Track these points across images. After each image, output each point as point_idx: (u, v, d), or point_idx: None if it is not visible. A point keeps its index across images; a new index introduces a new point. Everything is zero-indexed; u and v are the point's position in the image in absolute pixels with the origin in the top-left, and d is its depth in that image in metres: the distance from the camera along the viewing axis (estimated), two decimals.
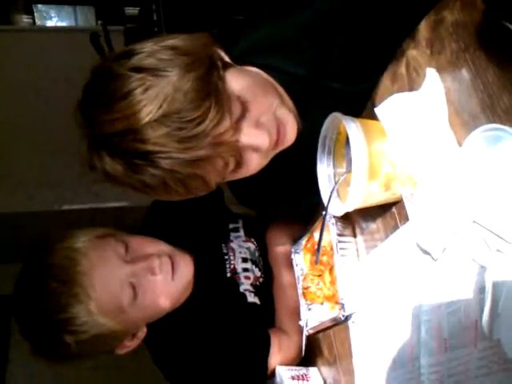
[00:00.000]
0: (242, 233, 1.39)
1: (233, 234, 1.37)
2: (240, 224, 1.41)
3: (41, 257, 1.07)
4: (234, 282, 1.28)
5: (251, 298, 1.26)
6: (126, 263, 1.08)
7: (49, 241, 1.09)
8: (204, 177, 0.84)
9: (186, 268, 1.16)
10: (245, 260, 1.32)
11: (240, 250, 1.33)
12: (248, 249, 1.35)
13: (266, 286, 1.32)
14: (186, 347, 1.18)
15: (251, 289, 1.28)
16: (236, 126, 0.84)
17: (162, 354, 1.20)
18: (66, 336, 1.03)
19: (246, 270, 1.31)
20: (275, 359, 1.19)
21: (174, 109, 0.77)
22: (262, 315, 1.26)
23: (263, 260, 1.36)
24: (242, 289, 1.27)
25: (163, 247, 1.16)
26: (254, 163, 0.92)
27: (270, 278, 1.33)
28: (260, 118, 0.88)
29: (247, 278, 1.30)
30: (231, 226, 1.40)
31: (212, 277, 1.24)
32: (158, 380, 1.24)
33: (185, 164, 0.80)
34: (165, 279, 1.12)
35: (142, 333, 1.17)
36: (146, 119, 0.77)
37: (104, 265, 1.06)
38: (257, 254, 1.36)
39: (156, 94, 0.77)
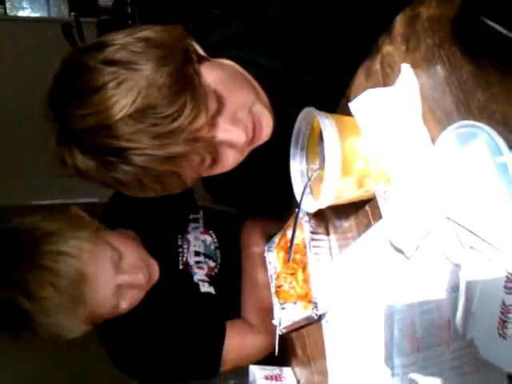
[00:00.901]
0: (200, 223, 1.39)
1: (191, 225, 1.37)
2: (200, 215, 1.40)
3: (38, 248, 1.04)
4: (187, 273, 1.29)
5: (205, 288, 1.27)
6: (117, 274, 1.10)
7: (36, 240, 1.06)
8: (180, 174, 0.82)
9: (156, 274, 1.20)
10: (197, 254, 1.33)
11: (195, 243, 1.34)
12: (204, 241, 1.35)
13: (224, 277, 1.32)
14: (139, 338, 1.19)
15: (206, 278, 1.29)
16: (212, 122, 0.82)
17: (114, 344, 1.21)
18: (43, 333, 1.05)
19: (198, 262, 1.32)
20: (237, 352, 1.20)
21: (149, 104, 0.74)
22: (217, 305, 1.27)
23: (222, 253, 1.36)
24: (195, 279, 1.29)
25: (143, 254, 1.19)
26: (231, 159, 0.90)
27: (228, 269, 1.33)
28: (236, 114, 0.87)
29: (200, 268, 1.31)
30: (191, 216, 1.39)
31: (164, 268, 1.23)
32: None
33: (160, 161, 0.78)
34: (142, 289, 1.17)
35: None
36: (120, 115, 0.74)
37: (101, 277, 1.07)
38: (212, 247, 1.36)
39: (129, 89, 0.74)
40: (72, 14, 2.66)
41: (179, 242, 1.32)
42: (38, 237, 1.06)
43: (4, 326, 1.07)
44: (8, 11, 2.96)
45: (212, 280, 1.30)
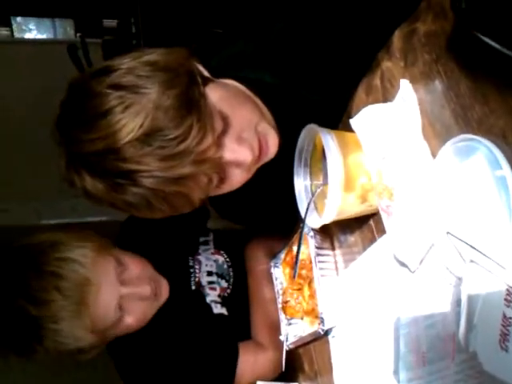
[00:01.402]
0: (211, 246, 1.39)
1: (202, 247, 1.37)
2: (211, 237, 1.41)
3: (42, 258, 1.06)
4: (200, 294, 1.29)
5: (217, 310, 1.27)
6: (121, 284, 1.11)
7: (43, 250, 1.08)
8: (188, 194, 0.82)
9: (165, 292, 1.21)
10: (210, 273, 1.33)
11: (206, 263, 1.34)
12: (215, 261, 1.35)
13: (236, 298, 1.31)
14: (150, 358, 1.19)
15: (218, 299, 1.29)
16: (218, 142, 0.83)
17: (127, 366, 1.21)
18: (48, 342, 1.05)
19: (211, 282, 1.31)
20: (250, 373, 1.19)
21: (156, 127, 0.75)
22: (230, 326, 1.26)
23: (234, 271, 1.36)
24: (208, 300, 1.28)
25: (151, 271, 1.20)
26: (238, 178, 0.91)
27: (240, 289, 1.33)
28: (242, 133, 0.87)
29: (213, 289, 1.30)
30: (202, 239, 1.40)
31: (177, 290, 1.24)
32: None
33: (168, 182, 0.78)
34: (148, 304, 1.17)
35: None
36: (127, 138, 0.75)
37: (106, 286, 1.08)
38: (225, 266, 1.36)
39: (136, 112, 0.75)
40: (78, 35, 2.69)
41: (190, 263, 1.32)
42: (44, 247, 1.08)
43: (14, 338, 1.07)
44: (15, 33, 2.99)
45: (224, 301, 1.29)
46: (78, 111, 0.80)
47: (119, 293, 1.10)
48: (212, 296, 1.29)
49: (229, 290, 1.32)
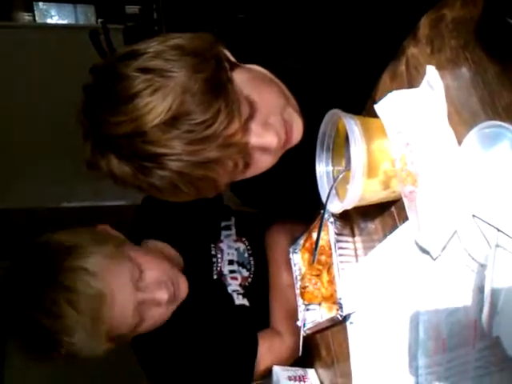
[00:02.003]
0: (233, 231, 1.38)
1: (224, 233, 1.36)
2: (232, 222, 1.40)
3: (56, 267, 1.04)
4: (221, 283, 1.28)
5: (239, 301, 1.26)
6: (138, 290, 1.09)
7: (57, 255, 1.06)
8: (214, 178, 0.83)
9: (183, 290, 1.18)
10: (231, 262, 1.32)
11: (228, 252, 1.33)
12: (237, 250, 1.35)
13: (257, 287, 1.31)
14: (172, 350, 1.18)
15: (240, 290, 1.28)
16: (245, 127, 0.83)
17: (148, 356, 1.20)
18: (63, 350, 1.04)
19: (232, 271, 1.31)
20: (265, 360, 1.19)
21: (183, 111, 0.76)
22: (251, 317, 1.26)
23: (255, 260, 1.35)
24: (230, 290, 1.28)
25: (169, 271, 1.17)
26: (264, 163, 0.91)
27: (260, 277, 1.32)
28: (268, 119, 0.88)
29: (234, 278, 1.30)
30: (223, 223, 1.39)
31: (199, 279, 1.23)
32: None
33: (194, 166, 0.79)
34: (166, 308, 1.15)
35: None
36: (155, 121, 0.75)
37: (121, 295, 1.06)
38: (246, 255, 1.35)
39: (165, 96, 0.75)
40: (99, 20, 2.70)
41: (213, 252, 1.31)
42: (59, 251, 1.06)
43: (30, 344, 1.07)
44: (37, 18, 3.01)
45: (246, 291, 1.29)
46: (105, 94, 0.80)
47: (136, 299, 1.08)
48: (234, 286, 1.28)
49: (250, 279, 1.32)
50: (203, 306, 1.23)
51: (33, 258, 1.09)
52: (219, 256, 1.31)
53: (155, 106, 0.75)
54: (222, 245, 1.33)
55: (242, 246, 1.36)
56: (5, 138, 2.69)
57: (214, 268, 1.29)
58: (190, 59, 0.80)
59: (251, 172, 0.91)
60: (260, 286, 1.31)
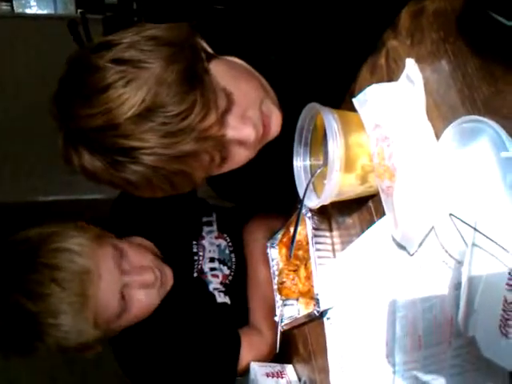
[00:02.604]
0: (214, 227, 1.36)
1: (205, 229, 1.35)
2: (214, 217, 1.38)
3: (37, 251, 1.03)
4: (202, 281, 1.27)
5: (221, 299, 1.26)
6: (123, 274, 1.08)
7: (38, 242, 1.05)
8: (189, 173, 0.80)
9: (169, 279, 1.18)
10: (212, 260, 1.31)
11: (210, 249, 1.31)
12: (218, 246, 1.33)
13: (238, 284, 1.30)
14: (154, 350, 1.16)
15: (221, 288, 1.27)
16: (222, 120, 0.81)
17: (129, 356, 1.18)
18: (49, 338, 1.02)
19: (213, 269, 1.29)
20: (246, 357, 1.18)
21: (158, 102, 0.73)
22: (232, 315, 1.25)
23: (236, 256, 1.34)
24: (211, 288, 1.26)
25: (153, 255, 1.17)
26: (240, 157, 0.89)
27: (242, 274, 1.31)
28: (246, 112, 0.85)
29: (215, 276, 1.28)
30: (204, 219, 1.37)
31: (179, 277, 1.22)
32: None
33: (169, 160, 0.76)
34: (154, 292, 1.14)
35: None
36: (129, 113, 0.72)
37: (106, 275, 1.05)
38: (227, 251, 1.34)
39: (139, 87, 0.73)
40: (79, 11, 2.66)
41: (194, 249, 1.30)
42: (38, 240, 1.05)
43: (13, 337, 1.05)
44: (15, 8, 2.96)
45: (227, 289, 1.28)
46: (77, 86, 0.78)
47: (121, 282, 1.07)
48: (214, 284, 1.27)
49: (231, 277, 1.30)
50: (184, 303, 1.22)
51: (12, 250, 1.08)
52: (200, 254, 1.29)
53: (128, 98, 0.73)
54: (203, 242, 1.32)
55: (223, 243, 1.34)
56: None
57: (195, 266, 1.28)
58: (165, 50, 0.77)
59: (228, 166, 0.89)
60: (241, 282, 1.30)
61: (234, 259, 1.33)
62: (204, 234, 1.34)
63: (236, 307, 1.26)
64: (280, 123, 0.91)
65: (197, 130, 0.76)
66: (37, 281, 1.01)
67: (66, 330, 1.01)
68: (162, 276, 1.15)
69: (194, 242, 1.30)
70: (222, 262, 1.31)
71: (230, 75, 0.86)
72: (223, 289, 1.27)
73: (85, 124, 0.75)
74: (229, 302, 1.26)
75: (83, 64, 0.79)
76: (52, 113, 0.81)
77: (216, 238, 1.34)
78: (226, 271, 1.31)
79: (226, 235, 1.36)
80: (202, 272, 1.28)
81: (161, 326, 1.18)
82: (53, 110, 0.81)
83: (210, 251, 1.31)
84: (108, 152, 0.76)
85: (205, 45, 0.88)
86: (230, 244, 1.35)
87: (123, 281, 1.08)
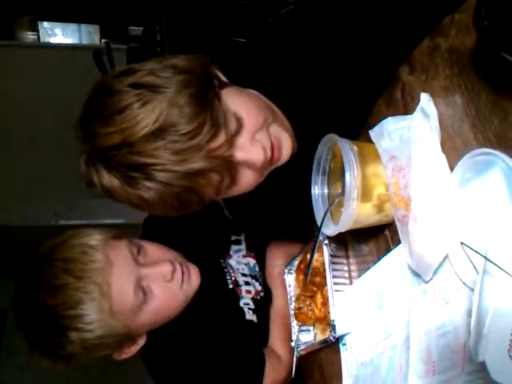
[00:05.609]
0: (243, 246, 1.37)
1: (234, 247, 1.35)
2: (242, 237, 1.39)
3: (52, 250, 1.06)
4: (235, 294, 1.26)
5: (249, 316, 1.25)
6: (140, 266, 1.08)
7: (61, 238, 1.07)
8: (199, 191, 0.85)
9: (195, 277, 1.16)
10: (244, 275, 1.31)
11: (238, 267, 1.32)
12: (247, 264, 1.34)
13: (265, 302, 1.30)
14: (182, 359, 1.16)
15: (251, 304, 1.27)
16: (231, 142, 0.86)
17: (157, 364, 1.18)
18: (71, 333, 1.02)
19: (247, 283, 1.29)
20: (266, 379, 1.18)
21: (170, 122, 0.79)
22: (258, 334, 1.25)
23: (264, 275, 1.34)
24: (241, 303, 1.26)
25: (175, 254, 1.17)
26: (249, 180, 0.93)
27: (269, 294, 1.31)
28: (255, 135, 0.90)
29: (248, 292, 1.28)
30: (233, 237, 1.38)
31: (212, 288, 1.21)
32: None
33: (179, 177, 0.81)
34: (175, 286, 1.12)
35: (142, 340, 1.15)
36: (142, 132, 0.78)
37: (120, 265, 1.05)
38: (257, 269, 1.34)
39: (152, 108, 0.79)
40: (103, 41, 2.74)
41: (223, 265, 1.30)
42: (58, 241, 1.08)
43: (39, 336, 1.06)
44: (41, 38, 3.04)
45: (256, 306, 1.27)
46: (98, 108, 0.84)
47: (138, 273, 1.06)
48: (246, 299, 1.27)
49: (262, 293, 1.30)
50: (215, 316, 1.21)
51: (36, 253, 1.09)
52: (230, 270, 1.30)
53: (143, 118, 0.79)
54: (230, 261, 1.32)
55: (251, 261, 1.35)
56: (7, 156, 2.71)
57: (228, 278, 1.27)
58: (181, 76, 0.83)
59: (237, 189, 0.92)
60: (268, 302, 1.30)
61: (262, 277, 1.34)
62: (231, 252, 1.34)
63: (261, 327, 1.26)
64: (290, 147, 0.94)
65: (205, 149, 0.81)
66: (51, 274, 1.03)
67: (87, 322, 1.01)
68: (185, 272, 1.13)
69: (221, 261, 1.31)
70: (253, 277, 1.32)
71: (241, 101, 0.90)
72: (252, 306, 1.27)
73: (103, 142, 0.81)
74: (256, 320, 1.25)
75: (105, 88, 0.85)
76: (76, 134, 0.87)
77: (244, 256, 1.35)
78: (258, 287, 1.31)
79: (253, 254, 1.36)
80: (237, 284, 1.28)
81: (190, 336, 1.17)
82: (77, 131, 0.86)
83: (238, 269, 1.31)
84: (123, 168, 0.82)
85: (219, 73, 0.93)
86: (257, 263, 1.35)
87: (140, 272, 1.07)
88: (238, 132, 0.87)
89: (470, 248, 0.61)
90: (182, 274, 1.13)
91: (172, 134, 0.79)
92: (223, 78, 0.93)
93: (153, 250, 1.14)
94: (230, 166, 0.87)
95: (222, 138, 0.82)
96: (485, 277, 0.56)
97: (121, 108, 0.80)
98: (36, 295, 1.04)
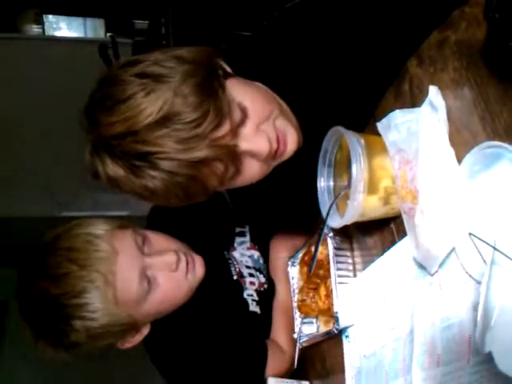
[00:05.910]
0: (247, 238, 1.37)
1: (238, 239, 1.36)
2: (247, 229, 1.39)
3: (56, 240, 1.06)
4: (239, 286, 1.27)
5: (253, 307, 1.26)
6: (145, 256, 1.09)
7: (64, 228, 1.08)
8: (203, 181, 0.85)
9: (199, 267, 1.16)
10: (248, 267, 1.32)
11: (242, 259, 1.32)
12: (251, 257, 1.34)
13: (269, 295, 1.31)
14: (185, 349, 1.16)
15: (255, 296, 1.27)
16: (236, 132, 0.86)
17: (160, 353, 1.18)
18: (75, 321, 1.02)
19: (251, 275, 1.30)
20: (268, 369, 1.18)
21: (174, 111, 0.79)
22: (261, 325, 1.26)
23: (267, 267, 1.35)
24: (245, 294, 1.26)
25: (180, 244, 1.17)
26: (254, 171, 0.93)
27: (272, 286, 1.32)
28: (260, 125, 0.90)
29: (252, 283, 1.29)
30: (238, 229, 1.38)
31: (217, 279, 1.22)
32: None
33: (184, 166, 0.81)
34: (180, 276, 1.12)
35: (146, 329, 1.15)
36: (146, 121, 0.79)
37: (124, 253, 1.05)
38: (261, 261, 1.35)
39: (156, 98, 0.79)
40: (108, 34, 2.74)
41: (227, 257, 1.31)
42: (62, 231, 1.08)
43: (44, 325, 1.06)
44: (46, 31, 3.04)
45: (260, 298, 1.28)
46: (103, 97, 0.85)
47: (143, 263, 1.07)
48: (250, 290, 1.27)
49: (266, 285, 1.31)
50: (219, 307, 1.22)
51: (40, 243, 1.10)
52: (234, 262, 1.30)
53: (147, 107, 0.79)
54: (234, 253, 1.33)
55: (255, 254, 1.35)
56: (9, 146, 2.71)
57: (233, 269, 1.28)
58: (185, 67, 0.84)
59: (241, 180, 0.93)
60: (272, 294, 1.31)
61: (266, 269, 1.34)
62: (236, 244, 1.35)
63: (264, 319, 1.27)
64: (295, 141, 0.94)
65: (209, 138, 0.81)
66: (55, 263, 1.03)
67: (91, 310, 1.02)
68: (189, 262, 1.14)
69: (225, 253, 1.32)
70: (257, 270, 1.33)
71: (246, 91, 0.91)
72: (256, 298, 1.27)
73: (107, 131, 0.82)
74: (259, 311, 1.26)
75: (110, 78, 0.86)
76: (81, 124, 0.87)
77: (248, 248, 1.36)
78: (262, 279, 1.31)
79: (257, 247, 1.37)
80: (241, 276, 1.28)
81: (193, 326, 1.17)
82: (83, 121, 0.87)
83: (241, 261, 1.32)
84: (128, 157, 0.82)
85: (224, 65, 0.93)
86: (261, 255, 1.36)
87: (145, 261, 1.07)
88: (242, 122, 0.87)
89: (478, 238, 0.61)
90: (187, 263, 1.13)
91: (176, 122, 0.79)
92: (228, 69, 0.93)
93: (158, 239, 1.15)
94: (234, 156, 0.87)
95: (226, 128, 0.83)
96: (493, 267, 0.56)
97: (125, 97, 0.81)
98: (40, 284, 1.04)
